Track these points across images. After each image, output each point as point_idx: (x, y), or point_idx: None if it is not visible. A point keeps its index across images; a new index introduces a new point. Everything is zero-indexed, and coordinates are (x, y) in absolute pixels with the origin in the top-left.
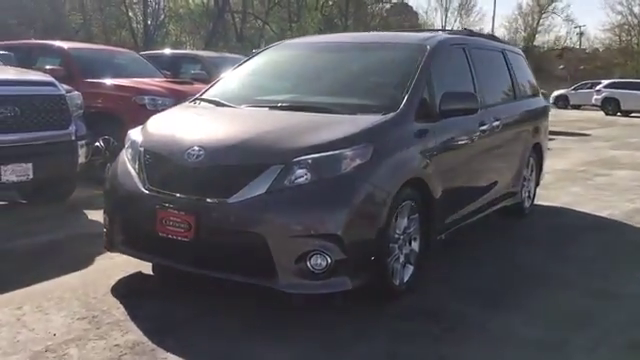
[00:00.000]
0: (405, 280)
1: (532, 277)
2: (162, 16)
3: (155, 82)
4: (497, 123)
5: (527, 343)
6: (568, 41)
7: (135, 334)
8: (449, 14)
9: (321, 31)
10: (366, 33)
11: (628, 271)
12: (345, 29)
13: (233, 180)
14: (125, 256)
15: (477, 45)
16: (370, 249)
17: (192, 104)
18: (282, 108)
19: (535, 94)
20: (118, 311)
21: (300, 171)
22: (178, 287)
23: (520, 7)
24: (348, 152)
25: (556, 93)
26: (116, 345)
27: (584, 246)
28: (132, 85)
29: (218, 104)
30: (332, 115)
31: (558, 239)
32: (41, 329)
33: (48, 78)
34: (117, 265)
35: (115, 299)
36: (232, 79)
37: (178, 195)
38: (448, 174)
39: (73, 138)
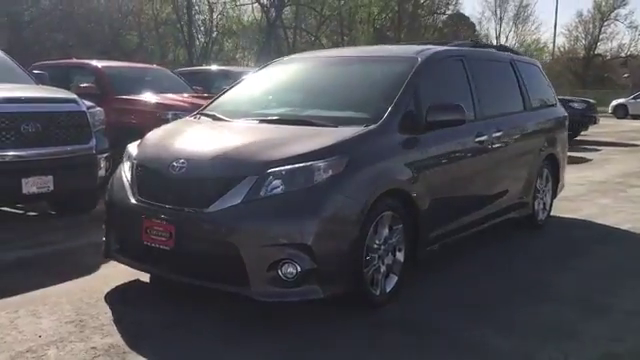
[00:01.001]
0: (387, 290)
1: (523, 290)
2: (215, 33)
3: (181, 98)
4: (499, 134)
5: (495, 355)
6: (632, 49)
7: (114, 338)
8: (504, 24)
9: (371, 44)
10: (366, 47)
11: (629, 287)
12: (398, 42)
13: (212, 191)
14: None
15: (478, 56)
16: (343, 259)
17: (192, 118)
18: (271, 121)
19: (552, 105)
20: (105, 316)
21: (274, 182)
22: (169, 294)
23: (580, 15)
24: (321, 164)
25: (615, 102)
26: (93, 347)
27: (591, 259)
28: (157, 101)
29: (215, 118)
30: (315, 128)
31: (565, 252)
32: (29, 331)
33: (70, 95)
34: (119, 273)
35: (106, 305)
36: (233, 93)
37: (162, 205)
38: (438, 185)
39: (93, 152)
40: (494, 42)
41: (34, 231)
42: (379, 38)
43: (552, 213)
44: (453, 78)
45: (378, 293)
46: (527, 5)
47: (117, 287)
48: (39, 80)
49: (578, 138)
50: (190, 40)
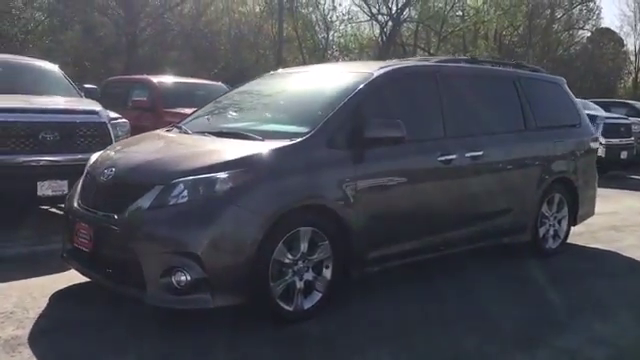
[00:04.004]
0: (306, 307)
1: (456, 321)
2: (331, 51)
3: None
4: (477, 153)
5: None
6: None
7: (24, 330)
8: None
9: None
10: (344, 63)
11: (584, 324)
12: (526, 58)
13: (126, 197)
14: None
15: (460, 74)
16: (239, 271)
17: (162, 130)
18: (214, 134)
19: (572, 125)
20: (35, 311)
21: (179, 192)
22: (110, 295)
23: None
24: (222, 175)
25: None
26: None
27: (581, 294)
28: None
29: (180, 130)
30: (242, 141)
31: (556, 284)
32: None
33: (93, 107)
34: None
35: (47, 301)
36: (210, 106)
37: (89, 210)
38: (383, 205)
39: None
40: (632, 58)
41: (44, 230)
42: (506, 54)
43: (581, 242)
44: (417, 95)
45: (292, 309)
46: None
47: (71, 286)
48: (88, 94)
49: None
50: (309, 57)
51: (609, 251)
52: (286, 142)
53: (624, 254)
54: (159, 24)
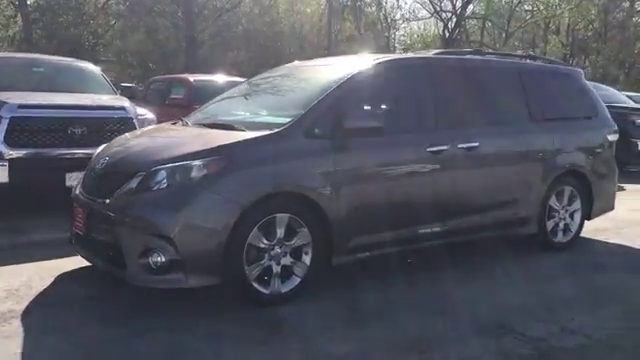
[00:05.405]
0: (283, 291)
1: (432, 308)
2: (393, 49)
3: None
4: (471, 144)
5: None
6: None
7: (21, 305)
8: None
9: (565, 56)
10: (343, 57)
11: (583, 315)
12: (599, 53)
13: (114, 184)
14: None
15: (456, 65)
16: (212, 253)
17: (169, 124)
18: (208, 126)
19: (587, 117)
20: (37, 289)
21: (158, 178)
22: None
23: None
24: (197, 163)
25: None
26: None
27: (576, 287)
28: None
29: (183, 122)
30: (227, 132)
31: (554, 277)
32: None
33: (121, 104)
34: None
35: (52, 279)
36: (219, 99)
37: (86, 196)
38: (365, 194)
39: None
40: None
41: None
42: (578, 49)
43: (603, 237)
44: (406, 87)
45: (268, 292)
46: None
47: (78, 269)
48: (125, 92)
49: None
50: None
51: (628, 247)
52: (265, 132)
53: None
54: (217, 25)
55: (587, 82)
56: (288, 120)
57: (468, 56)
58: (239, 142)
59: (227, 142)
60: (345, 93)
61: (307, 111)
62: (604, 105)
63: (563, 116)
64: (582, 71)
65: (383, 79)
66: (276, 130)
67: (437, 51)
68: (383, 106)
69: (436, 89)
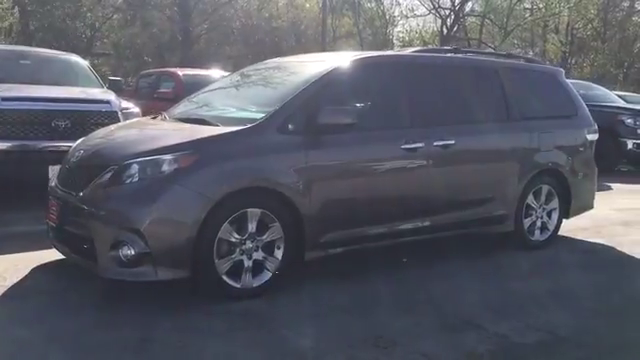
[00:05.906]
0: (254, 285)
1: (400, 304)
2: (391, 46)
3: None
4: (447, 142)
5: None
6: None
7: None
8: None
9: (564, 55)
10: (322, 53)
11: (551, 312)
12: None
13: (86, 177)
14: None
15: (433, 64)
16: (181, 247)
17: (148, 118)
18: (184, 121)
19: (566, 116)
20: (11, 280)
21: (129, 172)
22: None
23: None
24: (167, 157)
25: None
26: None
27: (548, 285)
28: None
29: (162, 117)
30: (200, 126)
31: (526, 275)
32: None
33: (105, 97)
34: None
35: (28, 271)
36: (198, 94)
37: (59, 188)
38: (337, 189)
39: None
40: None
41: None
42: (578, 48)
43: (582, 236)
44: (380, 85)
45: (239, 286)
46: None
47: (55, 261)
48: (112, 86)
49: None
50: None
51: (606, 245)
52: (238, 127)
53: (620, 249)
54: (214, 20)
55: (567, 81)
56: (262, 115)
57: (446, 54)
58: (211, 137)
59: (199, 137)
60: (320, 89)
61: (281, 107)
62: (584, 104)
63: (542, 115)
64: (562, 70)
65: (359, 76)
66: (249, 125)
67: (415, 49)
68: (358, 103)
69: (413, 87)
